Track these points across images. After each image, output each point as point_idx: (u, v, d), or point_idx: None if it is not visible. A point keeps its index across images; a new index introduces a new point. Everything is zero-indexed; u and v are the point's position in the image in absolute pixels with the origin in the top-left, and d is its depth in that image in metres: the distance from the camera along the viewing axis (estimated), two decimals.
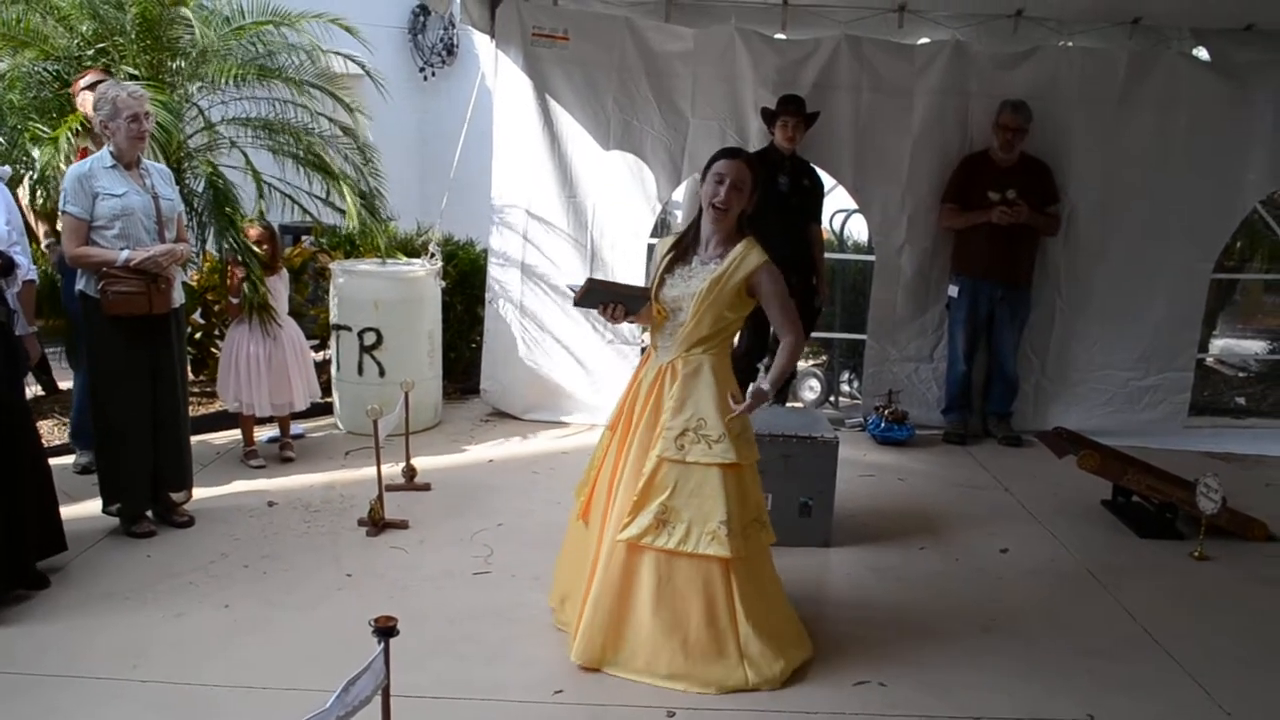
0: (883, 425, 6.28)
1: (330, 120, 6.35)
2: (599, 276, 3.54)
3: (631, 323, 3.49)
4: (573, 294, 3.46)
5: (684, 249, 3.48)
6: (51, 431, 5.63)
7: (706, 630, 3.32)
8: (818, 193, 6.17)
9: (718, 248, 3.42)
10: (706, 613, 3.32)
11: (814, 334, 6.57)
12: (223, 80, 5.85)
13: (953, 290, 6.38)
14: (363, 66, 6.48)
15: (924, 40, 6.63)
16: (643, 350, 3.60)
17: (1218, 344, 8.50)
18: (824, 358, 7.65)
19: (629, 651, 3.38)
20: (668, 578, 3.32)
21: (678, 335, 3.41)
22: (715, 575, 3.33)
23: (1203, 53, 6.63)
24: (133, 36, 5.68)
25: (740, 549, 3.32)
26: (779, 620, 3.52)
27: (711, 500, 3.30)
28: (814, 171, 6.13)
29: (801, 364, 6.71)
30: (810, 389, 7.02)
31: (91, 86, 4.83)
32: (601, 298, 3.46)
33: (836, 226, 7.51)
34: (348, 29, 6.26)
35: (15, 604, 3.70)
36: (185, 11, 5.71)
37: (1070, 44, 6.61)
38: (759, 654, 3.35)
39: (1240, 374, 8.30)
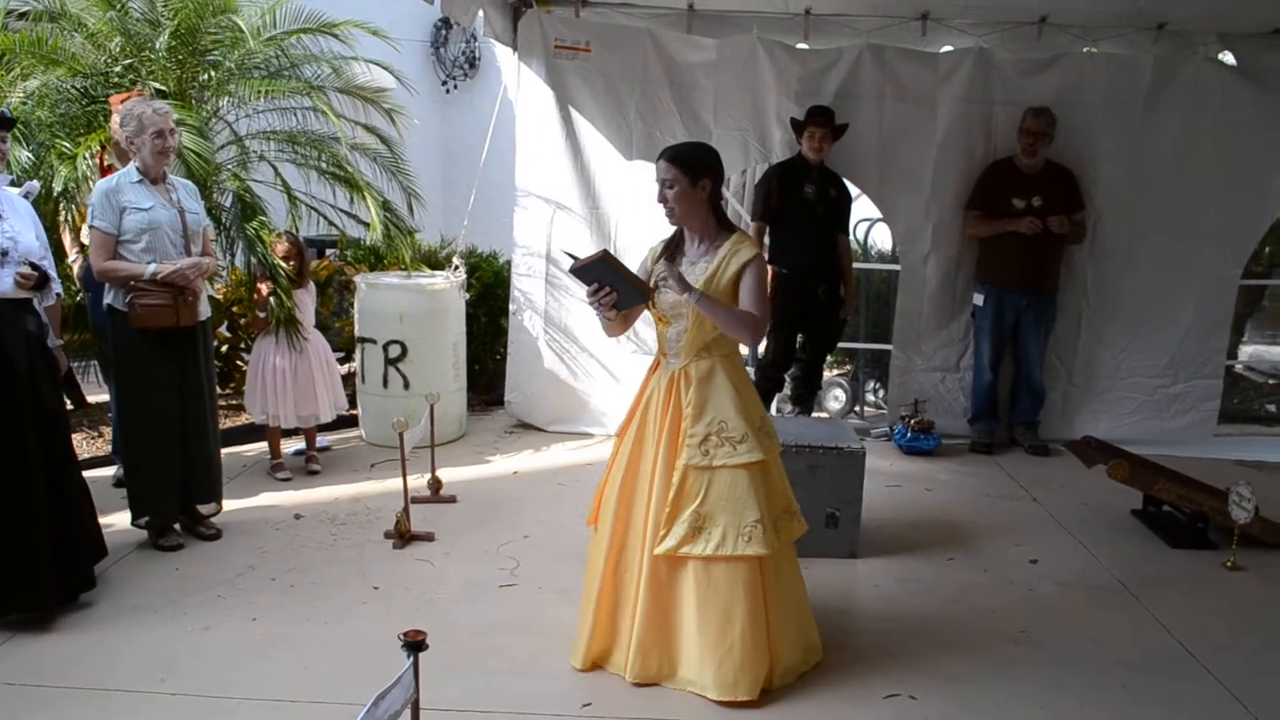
0: (909, 435, 6.24)
1: (356, 124, 6.36)
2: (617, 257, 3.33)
3: (608, 318, 3.35)
4: (572, 259, 3.15)
5: (671, 255, 3.43)
6: (80, 445, 5.66)
7: (752, 633, 3.29)
8: (845, 203, 6.15)
9: (703, 247, 3.38)
10: (750, 613, 3.28)
11: (840, 344, 6.54)
12: (253, 96, 5.88)
13: (978, 299, 6.33)
14: (395, 74, 6.49)
15: (947, 48, 6.59)
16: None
17: (1246, 350, 8.39)
18: (849, 367, 7.61)
19: (684, 665, 3.36)
20: (707, 585, 3.29)
21: (683, 342, 3.36)
22: (754, 574, 3.30)
23: (1229, 57, 6.56)
24: (163, 53, 5.73)
25: (774, 543, 3.32)
26: (802, 621, 3.54)
27: (743, 501, 3.28)
28: (841, 182, 6.11)
29: (827, 374, 6.68)
30: (835, 399, 6.99)
31: None
32: (602, 277, 3.19)
33: (860, 235, 7.48)
34: (375, 32, 6.27)
35: (45, 617, 3.72)
36: (235, 19, 5.74)
37: (1095, 50, 6.56)
38: (784, 657, 3.40)
39: (1270, 381, 8.19)
